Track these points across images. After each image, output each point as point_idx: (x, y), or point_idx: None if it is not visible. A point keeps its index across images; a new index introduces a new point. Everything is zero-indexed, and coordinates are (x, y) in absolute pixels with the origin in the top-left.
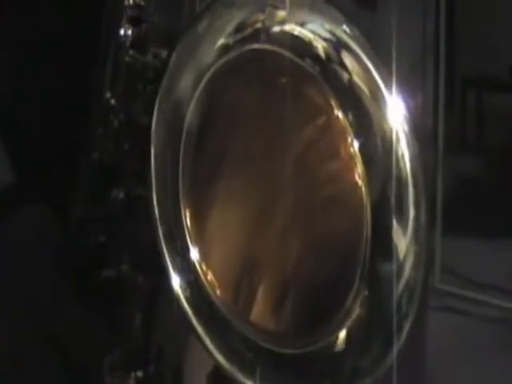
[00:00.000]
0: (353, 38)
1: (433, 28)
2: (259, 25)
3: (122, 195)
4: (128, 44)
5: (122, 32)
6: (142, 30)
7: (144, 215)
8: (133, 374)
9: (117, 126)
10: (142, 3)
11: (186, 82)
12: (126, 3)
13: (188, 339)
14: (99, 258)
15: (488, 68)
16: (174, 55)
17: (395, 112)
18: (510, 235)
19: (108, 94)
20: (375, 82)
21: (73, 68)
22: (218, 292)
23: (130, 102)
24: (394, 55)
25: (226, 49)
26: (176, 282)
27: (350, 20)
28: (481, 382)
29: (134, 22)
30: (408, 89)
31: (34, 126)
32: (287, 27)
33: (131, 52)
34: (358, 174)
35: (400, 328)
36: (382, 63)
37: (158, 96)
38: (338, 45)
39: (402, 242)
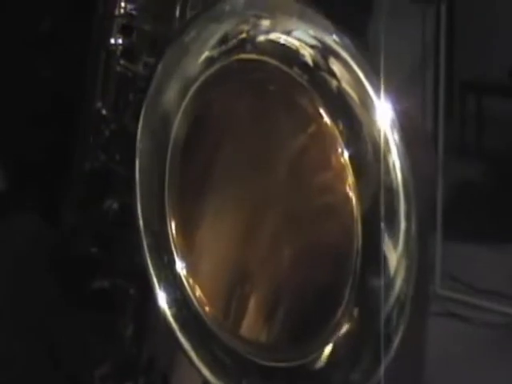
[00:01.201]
0: (340, 44)
1: (433, 33)
2: (244, 35)
3: (114, 205)
4: (119, 53)
5: (112, 41)
6: (133, 40)
7: (134, 225)
8: None
9: (108, 136)
10: (134, 12)
11: (172, 93)
12: (116, 12)
13: (177, 352)
14: (91, 269)
15: (487, 72)
16: (160, 66)
17: (386, 119)
18: (510, 240)
19: (99, 104)
20: (365, 89)
21: (63, 77)
22: (206, 307)
23: (121, 111)
24: (382, 63)
25: (210, 61)
26: (162, 298)
27: (341, 29)
28: None
29: (125, 31)
30: (399, 96)
31: (26, 135)
32: (273, 36)
33: (122, 61)
34: (349, 184)
35: (390, 341)
36: (375, 70)
37: (144, 107)
38: (325, 51)
39: (393, 255)
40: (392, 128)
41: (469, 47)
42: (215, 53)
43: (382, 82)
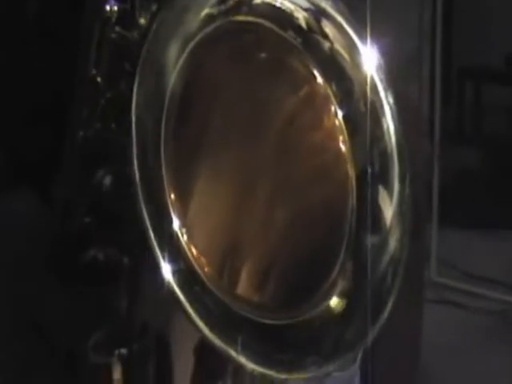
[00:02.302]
0: (333, 7)
1: (429, 18)
2: None
3: (108, 175)
4: (114, 20)
5: (107, 8)
6: (128, 6)
7: (130, 195)
8: (117, 352)
9: (103, 105)
10: None
11: (168, 52)
12: None
13: (171, 316)
14: (84, 240)
15: (485, 58)
16: (156, 25)
17: (371, 63)
18: (506, 228)
19: (94, 72)
20: (357, 49)
21: (57, 45)
22: (204, 268)
23: (116, 79)
24: (368, 11)
25: (209, 19)
26: (163, 261)
27: None
28: (478, 373)
29: None
30: (389, 51)
31: (17, 105)
32: None
33: (117, 28)
34: (343, 143)
35: (384, 301)
36: (364, 29)
37: (139, 66)
38: (318, 14)
39: (387, 214)
40: (386, 91)
41: (466, 34)
42: (215, 10)
43: (368, 31)
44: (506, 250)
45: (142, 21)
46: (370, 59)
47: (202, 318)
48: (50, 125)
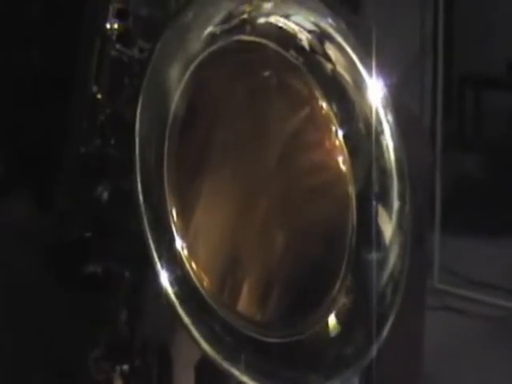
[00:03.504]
0: (337, 29)
1: (431, 25)
2: (245, 16)
3: (108, 190)
4: (114, 38)
5: (108, 25)
6: (129, 24)
7: (130, 210)
8: (118, 368)
9: (103, 121)
10: None
11: (172, 71)
12: None
13: (173, 332)
14: (84, 253)
15: (486, 66)
16: (160, 44)
17: (379, 102)
18: (508, 234)
19: (94, 89)
20: (359, 72)
21: (58, 61)
22: (205, 283)
23: (116, 96)
24: (373, 43)
25: (213, 38)
26: (164, 276)
27: (336, 13)
28: (480, 380)
29: (121, 15)
30: (392, 78)
31: (18, 119)
32: (272, 19)
33: (117, 46)
34: (343, 163)
35: (384, 318)
36: (369, 55)
37: (143, 85)
38: (321, 36)
39: (387, 232)
40: (385, 109)
41: (468, 41)
42: (218, 30)
43: (373, 60)
44: (508, 257)
45: (142, 39)
46: (375, 91)
47: (202, 334)
48: (50, 138)
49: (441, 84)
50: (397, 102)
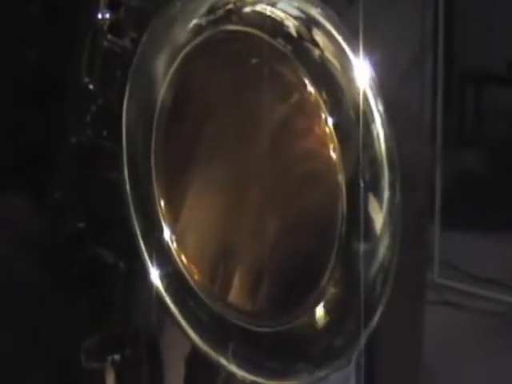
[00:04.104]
0: (324, 16)
1: (431, 22)
2: (231, 6)
3: (100, 180)
4: (106, 28)
5: (99, 16)
6: (120, 15)
7: (123, 200)
8: (110, 358)
9: (95, 111)
10: None
11: (158, 63)
12: None
13: (164, 322)
14: (78, 244)
15: (487, 63)
16: (146, 36)
17: (364, 78)
18: (508, 229)
19: (86, 79)
20: (347, 57)
21: (49, 52)
22: (194, 276)
23: (107, 86)
24: (360, 24)
25: (198, 29)
26: (153, 269)
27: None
28: (480, 375)
29: (112, 6)
30: (381, 64)
31: (11, 113)
32: (258, 7)
33: (109, 36)
34: (333, 151)
35: (374, 308)
36: (355, 39)
37: (130, 76)
38: (309, 22)
39: (377, 222)
40: (376, 98)
41: (468, 38)
42: (203, 21)
43: (360, 43)
44: (508, 252)
45: (133, 29)
46: (362, 71)
47: (191, 325)
48: (42, 129)
49: (441, 81)
50: (396, 97)
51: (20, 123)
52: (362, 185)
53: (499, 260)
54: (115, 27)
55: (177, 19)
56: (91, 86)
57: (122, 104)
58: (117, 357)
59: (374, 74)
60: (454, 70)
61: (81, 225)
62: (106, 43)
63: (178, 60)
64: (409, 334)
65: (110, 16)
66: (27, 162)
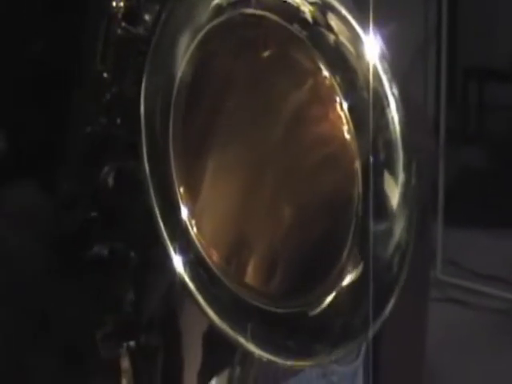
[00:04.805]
0: (339, 0)
1: (435, 18)
2: None
3: (113, 170)
4: (120, 16)
5: (113, 4)
6: (134, 2)
7: (135, 190)
8: (125, 345)
9: (109, 99)
10: None
11: (178, 42)
12: None
13: (179, 308)
14: (89, 234)
15: (490, 59)
16: (166, 15)
17: (383, 73)
18: (511, 226)
19: (100, 67)
20: (360, 40)
21: (63, 41)
22: (212, 256)
23: (122, 74)
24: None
25: (219, 9)
26: (174, 250)
27: None
28: (483, 371)
29: None
30: (392, 38)
31: (23, 99)
32: None
33: (123, 24)
34: (348, 133)
35: (391, 289)
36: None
37: (149, 53)
38: (324, 7)
39: (393, 199)
40: (390, 82)
41: (471, 34)
42: (224, 1)
43: (370, 20)
44: (511, 249)
45: (148, 16)
46: (372, 48)
47: (211, 306)
48: (55, 118)
49: (444, 77)
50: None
51: (33, 113)
52: (371, 159)
53: (502, 257)
54: (129, 15)
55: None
56: (105, 74)
57: (136, 91)
58: (132, 343)
59: (385, 53)
60: (457, 65)
61: (93, 214)
62: (120, 31)
63: (197, 40)
64: (412, 331)
65: (124, 4)
66: (40, 152)
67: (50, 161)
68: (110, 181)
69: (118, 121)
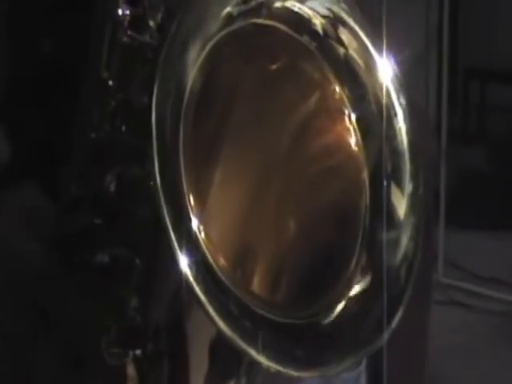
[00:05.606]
0: (350, 14)
1: (436, 19)
2: None
3: (118, 176)
4: (126, 23)
5: (119, 11)
6: (140, 10)
7: (140, 196)
8: (131, 353)
9: (114, 106)
10: None
11: (189, 49)
12: None
13: (185, 316)
14: (94, 240)
15: (491, 59)
16: (176, 25)
17: (389, 80)
18: None
19: (105, 75)
20: (371, 55)
21: (68, 48)
22: (220, 264)
23: (127, 82)
24: (384, 25)
25: (230, 18)
26: (182, 257)
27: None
28: (485, 374)
29: (132, 2)
30: (403, 62)
31: (28, 105)
32: (288, 3)
33: (129, 32)
34: (356, 145)
35: (398, 299)
36: (379, 38)
37: (160, 63)
38: (335, 21)
39: (400, 209)
40: (398, 92)
41: (473, 34)
42: (235, 10)
43: (384, 42)
44: None
45: (154, 24)
46: (385, 69)
47: (219, 314)
48: (60, 123)
49: (446, 77)
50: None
51: (39, 118)
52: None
53: (504, 259)
54: (135, 22)
55: (209, 6)
56: (110, 82)
57: (141, 99)
58: (138, 351)
59: (397, 73)
60: (458, 66)
61: (97, 221)
62: (125, 38)
63: (207, 49)
64: (415, 335)
65: (130, 11)
66: (44, 157)
67: (54, 166)
68: (114, 187)
69: (123, 127)
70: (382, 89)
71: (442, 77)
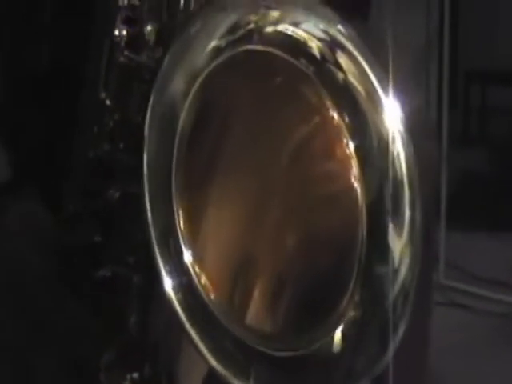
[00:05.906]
0: (348, 38)
1: (437, 22)
2: (252, 26)
3: (117, 194)
4: (123, 44)
5: (116, 32)
6: (137, 31)
7: (138, 214)
8: (128, 376)
9: (112, 126)
10: (137, 3)
11: (179, 84)
12: (120, 3)
13: (183, 340)
14: (94, 257)
15: (492, 62)
16: (168, 57)
17: (391, 112)
18: None
19: (103, 94)
20: (371, 82)
21: (67, 67)
22: (211, 295)
23: (124, 101)
24: (391, 55)
25: (217, 51)
26: (168, 284)
27: (346, 20)
28: (486, 376)
29: (129, 23)
30: (404, 89)
31: (28, 124)
32: (281, 27)
33: (126, 52)
34: (354, 174)
35: (395, 328)
36: (379, 63)
37: (151, 98)
38: (332, 44)
39: (398, 243)
40: (397, 120)
41: (473, 37)
42: (223, 42)
43: (390, 79)
44: None
45: (151, 45)
46: (392, 112)
47: (210, 349)
48: (60, 141)
49: (446, 80)
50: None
51: (38, 133)
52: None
53: (505, 261)
54: (132, 43)
55: (196, 40)
56: (108, 102)
57: (139, 119)
58: (135, 374)
59: (404, 117)
60: (458, 68)
61: (97, 238)
62: (122, 59)
63: (198, 82)
64: (416, 338)
65: (127, 32)
66: (45, 173)
67: (55, 184)
68: (113, 204)
69: (121, 146)
70: (382, 119)
71: (443, 79)
